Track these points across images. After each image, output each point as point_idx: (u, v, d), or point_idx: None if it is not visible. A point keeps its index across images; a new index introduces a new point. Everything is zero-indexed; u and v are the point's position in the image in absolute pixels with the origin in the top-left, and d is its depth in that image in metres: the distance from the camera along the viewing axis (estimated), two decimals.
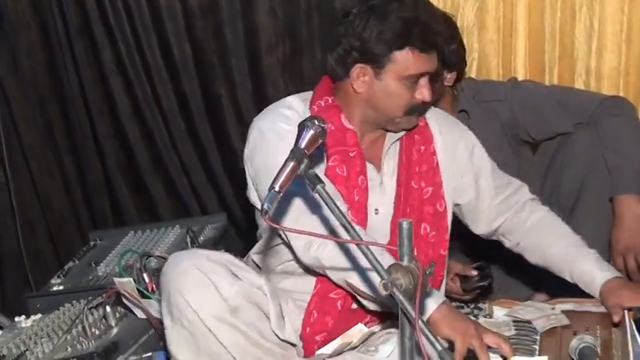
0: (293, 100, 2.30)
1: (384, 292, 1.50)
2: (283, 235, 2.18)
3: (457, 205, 2.38)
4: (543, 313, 2.24)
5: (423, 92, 2.15)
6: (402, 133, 2.29)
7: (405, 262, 1.51)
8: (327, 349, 2.13)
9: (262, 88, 3.32)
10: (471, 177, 2.35)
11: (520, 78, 3.06)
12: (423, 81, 2.15)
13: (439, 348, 1.47)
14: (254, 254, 2.40)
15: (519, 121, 2.82)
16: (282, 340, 2.11)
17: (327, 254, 2.09)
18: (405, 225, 1.50)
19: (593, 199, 2.64)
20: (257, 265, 2.35)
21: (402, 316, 1.53)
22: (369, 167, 2.24)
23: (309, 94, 2.32)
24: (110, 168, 3.54)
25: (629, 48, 2.96)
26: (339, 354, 2.12)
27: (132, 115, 3.43)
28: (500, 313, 2.30)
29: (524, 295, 2.69)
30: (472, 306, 2.65)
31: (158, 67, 3.35)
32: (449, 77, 2.76)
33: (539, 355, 2.02)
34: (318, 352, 2.13)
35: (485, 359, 1.92)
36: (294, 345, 2.13)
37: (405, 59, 2.10)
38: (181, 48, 3.31)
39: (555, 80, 3.07)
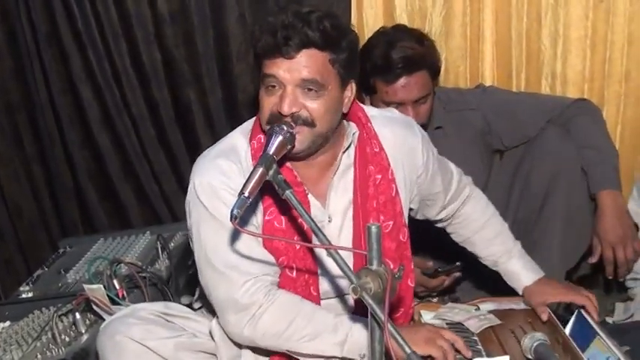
0: (237, 138, 2.17)
1: (354, 296, 1.50)
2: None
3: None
4: (470, 314, 2.30)
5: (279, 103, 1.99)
6: (350, 162, 2.17)
7: (374, 266, 1.51)
8: None
9: (233, 94, 3.32)
10: (424, 182, 2.30)
11: (487, 83, 3.13)
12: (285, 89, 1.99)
13: (408, 351, 1.48)
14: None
15: (493, 128, 2.86)
16: None
17: (261, 328, 2.03)
18: (373, 229, 1.50)
19: (561, 199, 2.67)
20: None
21: (372, 320, 1.53)
22: (314, 205, 2.14)
23: (250, 126, 2.18)
24: (80, 175, 3.52)
25: (594, 53, 3.03)
26: None
27: (101, 122, 3.42)
28: (427, 316, 2.33)
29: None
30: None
31: (128, 74, 3.33)
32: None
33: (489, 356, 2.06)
34: None
35: (462, 346, 2.01)
36: None
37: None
38: (151, 55, 3.30)
39: (522, 85, 3.13)
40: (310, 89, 1.95)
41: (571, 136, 2.71)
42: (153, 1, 3.18)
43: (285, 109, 1.92)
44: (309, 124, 1.96)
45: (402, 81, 2.66)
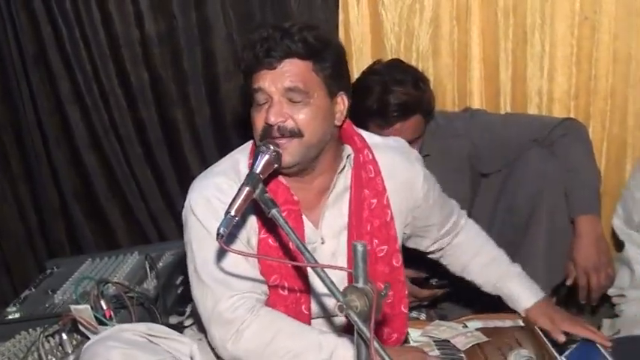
0: (237, 157, 2.19)
1: (340, 314, 1.51)
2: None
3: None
4: (458, 331, 2.33)
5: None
6: (347, 185, 2.17)
7: (360, 284, 1.52)
8: None
9: (220, 113, 3.36)
10: (422, 214, 2.31)
11: (475, 101, 3.18)
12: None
13: None
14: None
15: (480, 154, 2.88)
16: None
17: (243, 344, 2.05)
18: (359, 247, 1.51)
19: (544, 220, 2.70)
20: None
21: (358, 338, 1.54)
22: (308, 226, 2.15)
23: (249, 145, 2.19)
24: (66, 195, 3.53)
25: (579, 71, 3.06)
26: None
27: (89, 143, 3.44)
28: (415, 334, 2.36)
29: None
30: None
31: (115, 95, 3.36)
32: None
33: None
34: None
35: None
36: None
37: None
38: (139, 75, 3.33)
39: (509, 103, 3.16)
40: (296, 101, 1.97)
41: (555, 158, 2.75)
42: (140, 22, 3.23)
43: (272, 119, 1.94)
44: (296, 134, 1.98)
45: (397, 126, 2.69)
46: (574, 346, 2.26)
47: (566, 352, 2.22)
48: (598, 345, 2.24)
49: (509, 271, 2.39)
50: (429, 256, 2.46)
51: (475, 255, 2.41)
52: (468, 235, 2.43)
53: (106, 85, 3.34)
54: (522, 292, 2.35)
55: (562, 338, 2.23)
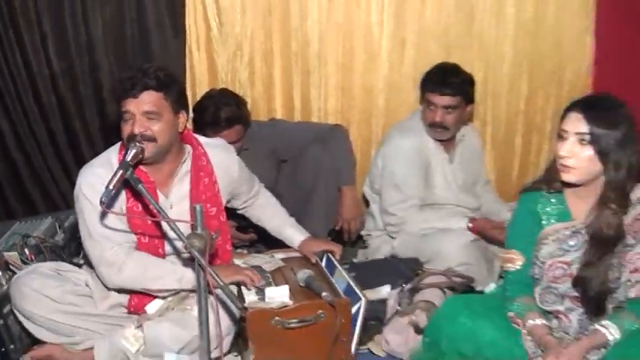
0: (110, 154, 2.51)
1: (185, 252, 1.91)
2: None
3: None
4: (266, 260, 2.87)
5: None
6: (187, 170, 2.54)
7: (198, 231, 1.82)
8: (151, 308, 2.53)
9: (106, 124, 3.79)
10: (237, 185, 2.78)
11: (278, 114, 3.92)
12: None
13: (221, 284, 1.86)
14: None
15: (278, 149, 3.53)
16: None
17: (125, 276, 2.43)
18: (197, 207, 1.84)
19: (322, 189, 3.41)
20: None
21: (198, 267, 1.82)
22: (160, 197, 2.51)
23: (118, 145, 2.52)
24: (2, 182, 3.91)
25: (343, 95, 3.96)
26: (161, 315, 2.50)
27: (16, 145, 3.86)
28: (238, 262, 2.84)
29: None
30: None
31: (33, 112, 3.78)
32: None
33: (277, 285, 2.52)
34: (146, 309, 2.52)
35: (256, 275, 2.51)
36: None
37: None
38: (49, 99, 3.76)
39: (300, 114, 3.96)
40: (152, 118, 2.39)
41: (328, 149, 3.45)
42: (49, 62, 3.72)
43: (136, 130, 2.36)
44: (152, 139, 2.39)
45: (225, 133, 3.21)
46: (324, 257, 2.83)
47: (322, 263, 2.80)
48: (331, 257, 2.82)
49: (286, 222, 2.99)
50: (238, 211, 2.99)
51: (264, 210, 3.00)
52: (264, 199, 3.00)
53: (26, 105, 3.75)
54: (294, 235, 2.95)
55: (313, 259, 2.80)
